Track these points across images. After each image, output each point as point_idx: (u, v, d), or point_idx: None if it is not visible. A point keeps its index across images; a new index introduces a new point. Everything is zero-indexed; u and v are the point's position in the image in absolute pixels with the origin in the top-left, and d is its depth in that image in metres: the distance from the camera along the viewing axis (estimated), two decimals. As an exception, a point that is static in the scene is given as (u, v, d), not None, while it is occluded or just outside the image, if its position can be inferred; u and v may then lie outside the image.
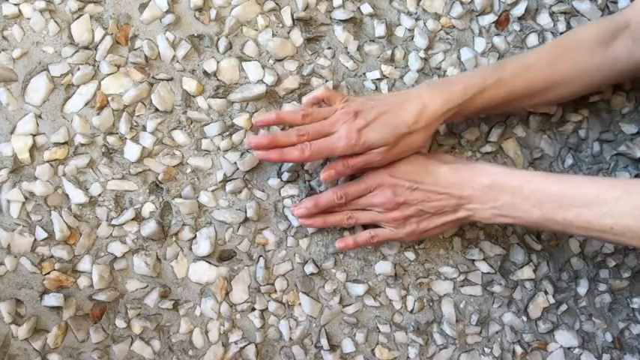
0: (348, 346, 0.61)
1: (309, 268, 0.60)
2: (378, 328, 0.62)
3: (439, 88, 0.56)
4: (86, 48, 0.57)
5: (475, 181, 0.54)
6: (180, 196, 0.58)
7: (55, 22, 0.56)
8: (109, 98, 0.57)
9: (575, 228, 0.50)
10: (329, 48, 0.62)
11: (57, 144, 0.56)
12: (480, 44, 0.64)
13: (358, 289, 0.61)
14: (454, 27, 0.64)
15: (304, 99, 0.60)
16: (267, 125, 0.58)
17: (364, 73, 0.63)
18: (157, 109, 0.58)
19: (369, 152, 0.54)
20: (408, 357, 0.62)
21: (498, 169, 0.55)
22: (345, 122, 0.54)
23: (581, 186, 0.50)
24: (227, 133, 0.59)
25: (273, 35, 0.60)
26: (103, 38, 0.57)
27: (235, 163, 0.59)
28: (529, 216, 0.52)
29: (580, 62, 0.58)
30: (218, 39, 0.59)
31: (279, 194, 0.60)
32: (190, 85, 0.59)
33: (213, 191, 0.59)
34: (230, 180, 0.59)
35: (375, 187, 0.56)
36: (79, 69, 0.56)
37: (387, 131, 0.53)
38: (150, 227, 0.57)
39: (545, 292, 0.64)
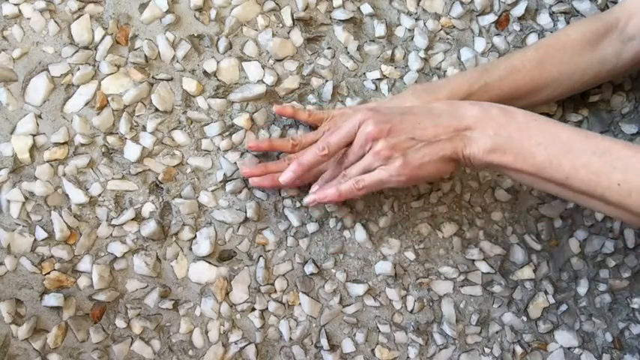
0: (348, 346, 0.61)
1: (309, 268, 0.60)
2: (378, 328, 0.62)
3: (422, 97, 0.54)
4: (86, 48, 0.57)
5: (480, 107, 0.48)
6: (180, 196, 0.58)
7: (55, 22, 0.56)
8: (109, 98, 0.57)
9: (579, 179, 0.45)
10: (329, 48, 0.62)
11: (57, 144, 0.56)
12: (480, 44, 0.64)
13: (358, 289, 0.61)
14: (454, 27, 0.64)
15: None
16: (260, 151, 0.59)
17: (364, 73, 0.63)
18: (156, 109, 0.58)
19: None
20: (408, 357, 0.62)
21: (505, 106, 0.50)
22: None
23: (594, 136, 0.46)
24: (227, 133, 0.59)
25: (273, 35, 0.61)
26: (103, 38, 0.57)
27: (235, 163, 0.59)
28: (532, 155, 0.46)
29: (567, 64, 0.57)
30: (218, 39, 0.59)
31: (279, 194, 0.60)
32: (190, 85, 0.59)
33: (213, 191, 0.59)
34: (230, 180, 0.59)
35: (359, 125, 0.49)
36: (79, 69, 0.56)
37: None
38: (150, 227, 0.57)
39: (545, 292, 0.64)
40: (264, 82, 0.60)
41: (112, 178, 0.57)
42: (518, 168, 0.47)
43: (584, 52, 0.57)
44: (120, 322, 0.56)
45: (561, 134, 0.46)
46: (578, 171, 0.45)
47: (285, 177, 0.52)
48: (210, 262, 0.59)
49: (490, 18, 0.65)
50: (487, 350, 0.63)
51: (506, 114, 0.48)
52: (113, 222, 0.57)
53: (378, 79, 0.63)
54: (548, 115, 0.65)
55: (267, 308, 0.60)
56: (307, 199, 0.53)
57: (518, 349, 0.64)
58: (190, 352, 0.58)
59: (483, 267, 0.64)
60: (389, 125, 0.47)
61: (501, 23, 0.65)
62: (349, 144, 0.50)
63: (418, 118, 0.48)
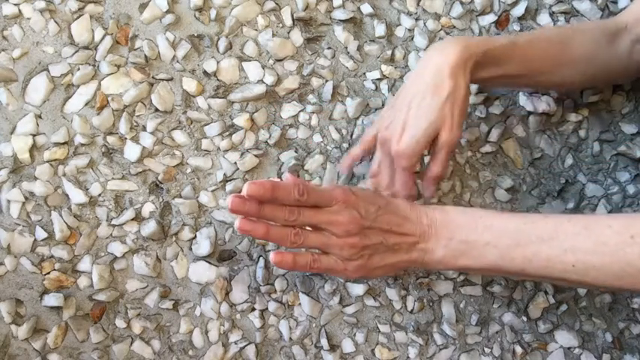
0: (348, 346, 0.61)
1: (309, 268, 0.60)
2: (378, 328, 0.62)
3: (448, 48, 0.52)
4: (86, 48, 0.57)
5: (429, 215, 0.50)
6: (180, 196, 0.58)
7: (55, 22, 0.56)
8: (109, 98, 0.57)
9: (534, 269, 0.46)
10: (329, 48, 0.62)
11: (57, 144, 0.56)
12: (480, 44, 0.64)
13: (358, 289, 0.61)
14: (454, 27, 0.64)
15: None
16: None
17: (364, 73, 0.63)
18: (157, 109, 0.58)
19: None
20: (408, 357, 0.62)
21: (451, 207, 0.51)
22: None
23: (537, 220, 0.47)
24: (227, 133, 0.59)
25: (273, 35, 0.61)
26: (103, 38, 0.57)
27: (235, 163, 0.59)
28: (485, 256, 0.47)
29: (587, 47, 0.57)
30: (218, 39, 0.59)
31: (279, 194, 0.60)
32: (190, 85, 0.59)
33: (213, 191, 0.59)
34: (230, 180, 0.59)
35: (338, 202, 0.48)
36: (79, 69, 0.56)
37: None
38: (150, 227, 0.57)
39: (545, 292, 0.64)
40: (264, 82, 0.60)
41: (112, 178, 0.57)
42: (476, 268, 0.48)
43: (601, 43, 0.58)
44: (120, 322, 0.56)
45: (508, 226, 0.47)
46: (531, 261, 0.45)
47: (251, 189, 0.45)
48: (210, 262, 0.59)
49: (490, 18, 0.65)
50: (487, 350, 0.63)
51: (452, 220, 0.49)
52: (113, 222, 0.57)
53: (378, 79, 0.63)
54: (547, 115, 0.66)
55: (267, 308, 0.60)
56: (273, 258, 0.49)
57: (518, 349, 0.64)
58: (190, 352, 0.58)
59: (483, 267, 0.64)
60: (368, 223, 0.48)
61: (501, 23, 0.65)
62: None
63: (389, 222, 0.49)
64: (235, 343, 0.59)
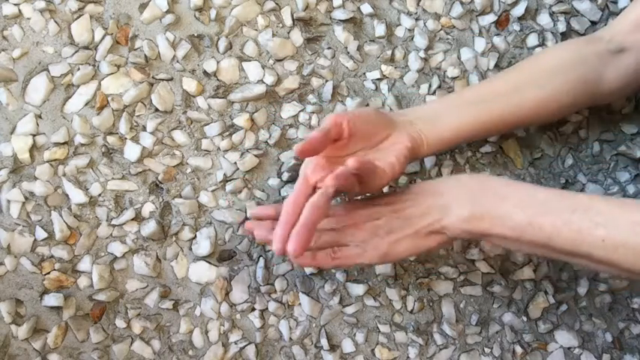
0: (348, 346, 0.61)
1: (309, 268, 0.60)
2: (378, 328, 0.62)
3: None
4: (86, 48, 0.57)
5: (454, 179, 0.49)
6: (180, 196, 0.58)
7: (55, 22, 0.56)
8: (109, 98, 0.57)
9: (562, 240, 0.43)
10: (329, 48, 0.62)
11: (57, 144, 0.56)
12: (480, 44, 0.64)
13: (358, 289, 0.61)
14: (454, 27, 0.64)
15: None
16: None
17: (364, 73, 0.63)
18: (157, 109, 0.58)
19: None
20: (408, 357, 0.62)
21: (479, 175, 0.50)
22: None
23: (571, 195, 0.45)
24: (227, 133, 0.59)
25: (273, 35, 0.61)
26: (103, 38, 0.57)
27: (235, 163, 0.59)
28: (511, 219, 0.44)
29: (561, 56, 0.56)
30: (218, 39, 0.59)
31: (279, 194, 0.60)
32: (190, 85, 0.59)
33: (213, 191, 0.59)
34: (230, 180, 0.59)
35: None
36: (79, 69, 0.56)
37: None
38: (150, 227, 0.57)
39: (545, 292, 0.64)
40: (264, 82, 0.60)
41: (112, 178, 0.57)
42: (498, 233, 0.45)
43: (577, 50, 0.56)
44: (120, 322, 0.56)
45: (538, 195, 0.45)
46: (560, 230, 0.43)
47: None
48: (210, 262, 0.59)
49: (490, 18, 0.65)
50: (487, 350, 0.63)
51: (481, 182, 0.47)
52: (113, 222, 0.57)
53: (378, 79, 0.63)
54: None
55: (267, 308, 0.60)
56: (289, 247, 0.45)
57: (518, 349, 0.64)
58: (190, 352, 0.58)
59: (483, 267, 0.64)
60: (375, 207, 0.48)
61: (501, 23, 0.65)
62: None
63: (399, 199, 0.48)
64: (235, 343, 0.59)
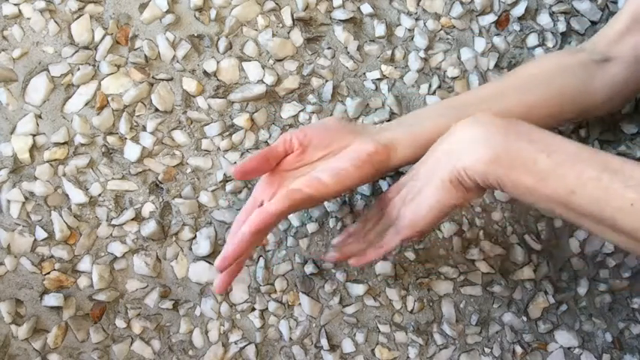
0: (348, 346, 0.61)
1: (309, 268, 0.60)
2: (378, 328, 0.62)
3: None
4: (86, 48, 0.57)
5: (473, 120, 0.44)
6: (180, 196, 0.58)
7: (55, 22, 0.56)
8: (109, 98, 0.57)
9: (587, 197, 0.39)
10: (329, 48, 0.62)
11: (57, 144, 0.56)
12: (480, 44, 0.64)
13: (358, 289, 0.61)
14: (454, 27, 0.64)
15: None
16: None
17: (364, 73, 0.63)
18: (157, 109, 0.58)
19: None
20: (408, 357, 0.62)
21: (504, 118, 0.45)
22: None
23: (603, 153, 0.40)
24: (227, 133, 0.59)
25: (273, 35, 0.60)
26: (103, 38, 0.57)
27: (235, 163, 0.59)
28: (534, 162, 0.40)
29: (545, 64, 0.56)
30: (218, 39, 0.59)
31: (279, 194, 0.60)
32: (190, 85, 0.59)
33: (213, 191, 0.59)
34: (230, 180, 0.59)
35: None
36: (79, 69, 0.56)
37: None
38: (150, 227, 0.57)
39: (545, 292, 0.64)
40: (264, 82, 0.60)
41: (112, 178, 0.57)
42: (517, 179, 0.41)
43: (559, 59, 0.56)
44: (120, 322, 0.56)
45: (567, 146, 0.41)
46: (585, 185, 0.39)
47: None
48: (210, 262, 0.59)
49: (490, 18, 0.65)
50: (487, 350, 0.63)
51: (506, 123, 0.43)
52: (113, 222, 0.57)
53: (378, 79, 0.63)
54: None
55: (267, 308, 0.60)
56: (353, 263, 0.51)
57: (518, 349, 0.64)
58: (190, 352, 0.58)
59: (483, 267, 0.64)
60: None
61: (501, 23, 0.65)
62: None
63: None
64: (235, 343, 0.59)
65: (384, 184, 0.61)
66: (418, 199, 0.46)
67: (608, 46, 0.56)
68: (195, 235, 0.58)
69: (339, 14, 0.62)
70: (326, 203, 0.60)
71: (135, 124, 0.58)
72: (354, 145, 0.49)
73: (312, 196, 0.46)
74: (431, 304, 0.63)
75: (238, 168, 0.47)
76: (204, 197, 0.58)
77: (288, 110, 0.61)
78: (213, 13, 0.59)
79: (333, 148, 0.50)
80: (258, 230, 0.44)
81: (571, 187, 0.39)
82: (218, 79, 0.59)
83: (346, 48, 0.62)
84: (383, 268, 0.61)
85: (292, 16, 0.61)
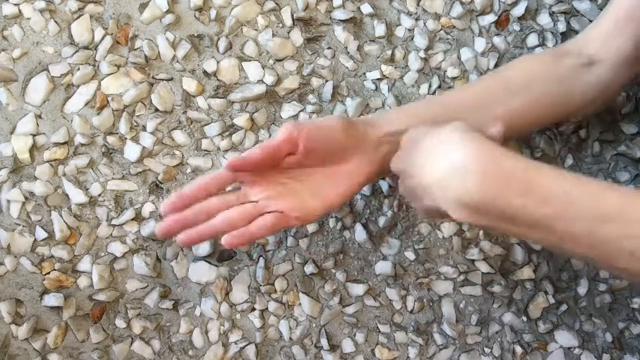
0: (348, 346, 0.61)
1: (309, 268, 0.60)
2: (378, 328, 0.62)
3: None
4: (86, 48, 0.57)
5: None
6: (180, 196, 0.58)
7: (55, 22, 0.56)
8: (109, 98, 0.57)
9: (579, 247, 0.36)
10: (329, 48, 0.62)
11: (57, 144, 0.56)
12: (480, 44, 0.64)
13: (358, 289, 0.61)
14: (454, 27, 0.64)
15: None
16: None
17: (364, 73, 0.63)
18: (157, 109, 0.58)
19: None
20: (408, 357, 0.62)
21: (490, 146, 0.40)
22: None
23: (596, 190, 0.36)
24: (227, 133, 0.59)
25: (273, 35, 0.61)
26: (103, 38, 0.57)
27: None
28: (509, 204, 0.36)
29: (528, 68, 0.55)
30: (218, 39, 0.59)
31: (279, 194, 0.60)
32: (190, 85, 0.59)
33: (213, 191, 0.59)
34: (230, 180, 0.59)
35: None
36: (79, 69, 0.56)
37: None
38: (150, 227, 0.57)
39: (545, 292, 0.64)
40: (264, 82, 0.60)
41: (112, 178, 0.57)
42: (505, 229, 0.38)
43: (544, 63, 0.55)
44: (120, 322, 0.56)
45: (554, 188, 0.36)
46: (577, 240, 0.36)
47: None
48: (210, 262, 0.59)
49: (490, 18, 0.65)
50: (487, 350, 0.63)
51: (484, 166, 0.37)
52: (113, 222, 0.57)
53: (378, 79, 0.63)
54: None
55: (267, 308, 0.60)
56: None
57: (518, 349, 0.64)
58: (190, 352, 0.58)
59: (483, 267, 0.64)
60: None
61: (501, 23, 0.65)
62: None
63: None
64: (235, 343, 0.59)
65: (384, 184, 0.62)
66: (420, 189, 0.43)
67: (592, 49, 0.55)
68: (195, 235, 0.58)
69: (339, 14, 0.62)
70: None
71: (135, 124, 0.58)
72: (351, 164, 0.50)
73: (300, 220, 0.49)
74: (431, 304, 0.63)
75: (238, 162, 0.46)
76: (204, 197, 0.58)
77: (288, 110, 0.61)
78: (213, 13, 0.59)
79: (332, 159, 0.50)
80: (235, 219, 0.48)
81: (556, 243, 0.37)
82: (218, 79, 0.59)
83: (346, 48, 0.62)
84: (383, 268, 0.61)
85: (292, 16, 0.61)
